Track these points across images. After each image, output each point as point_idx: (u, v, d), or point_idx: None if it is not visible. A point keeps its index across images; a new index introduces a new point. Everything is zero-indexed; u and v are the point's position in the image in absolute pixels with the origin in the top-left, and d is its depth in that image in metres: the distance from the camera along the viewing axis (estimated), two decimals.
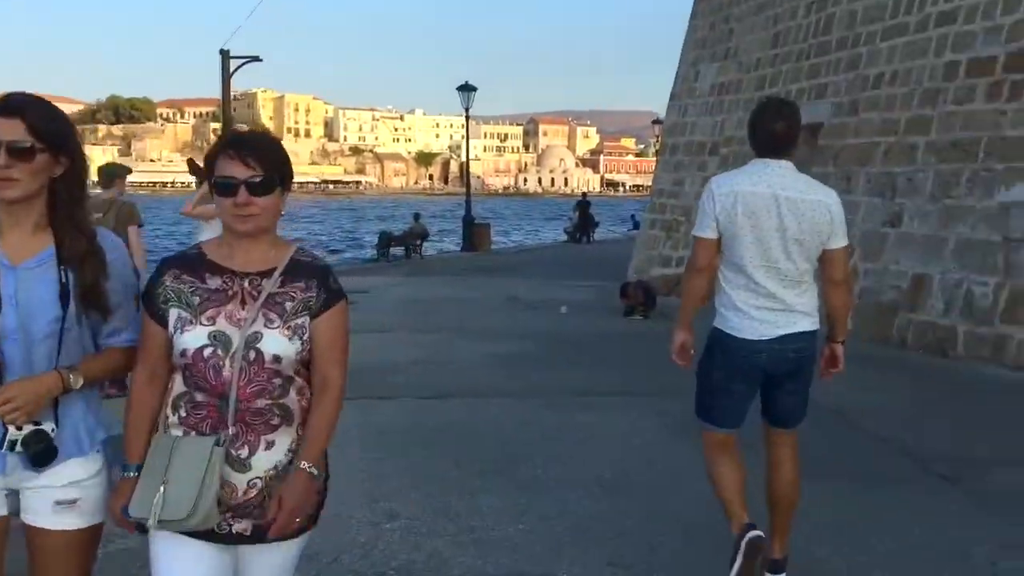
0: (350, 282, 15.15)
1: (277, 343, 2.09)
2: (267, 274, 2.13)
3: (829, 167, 11.18)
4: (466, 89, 25.46)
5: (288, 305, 2.12)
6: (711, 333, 3.51)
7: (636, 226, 34.06)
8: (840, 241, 3.42)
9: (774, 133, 3.43)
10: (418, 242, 23.63)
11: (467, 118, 25.72)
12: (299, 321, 2.12)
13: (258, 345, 2.08)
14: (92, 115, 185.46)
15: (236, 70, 18.49)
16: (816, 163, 11.48)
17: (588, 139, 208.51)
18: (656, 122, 40.91)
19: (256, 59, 18.58)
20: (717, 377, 3.49)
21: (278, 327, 2.10)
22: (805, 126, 12.47)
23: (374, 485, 4.82)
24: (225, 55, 18.37)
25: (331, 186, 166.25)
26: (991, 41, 9.35)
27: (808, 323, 3.41)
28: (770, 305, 3.36)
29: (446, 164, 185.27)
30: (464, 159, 27.79)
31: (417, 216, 23.88)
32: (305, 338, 2.12)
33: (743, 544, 3.37)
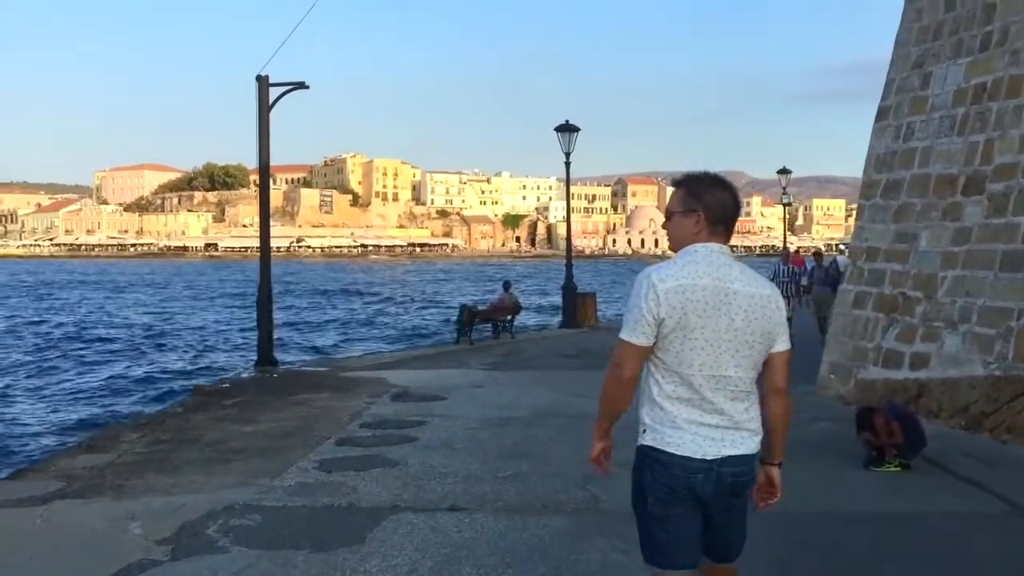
0: (422, 379, 6.31)
1: None
2: None
3: None
4: (567, 130, 20.93)
5: None
6: (640, 452, 2.95)
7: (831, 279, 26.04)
8: (785, 343, 2.98)
9: (727, 208, 2.97)
10: (508, 317, 18.89)
11: (567, 164, 21.04)
12: None
13: None
14: (189, 182, 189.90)
15: (279, 98, 14.40)
16: None
17: None
18: (784, 172, 35.27)
19: (302, 85, 14.47)
20: (653, 503, 2.93)
21: None
22: None
23: None
24: (263, 81, 14.33)
25: (418, 249, 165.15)
26: None
27: (753, 444, 2.95)
28: (716, 422, 2.88)
29: (533, 226, 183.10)
30: (566, 214, 23.32)
31: (507, 285, 19.14)
32: None
33: None
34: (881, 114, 10.73)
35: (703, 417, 2.88)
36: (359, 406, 10.20)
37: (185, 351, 24.33)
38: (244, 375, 13.95)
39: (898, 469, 7.02)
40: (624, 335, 2.88)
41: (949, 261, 9.06)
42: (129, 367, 20.95)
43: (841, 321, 10.61)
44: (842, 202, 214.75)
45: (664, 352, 2.87)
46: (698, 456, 2.87)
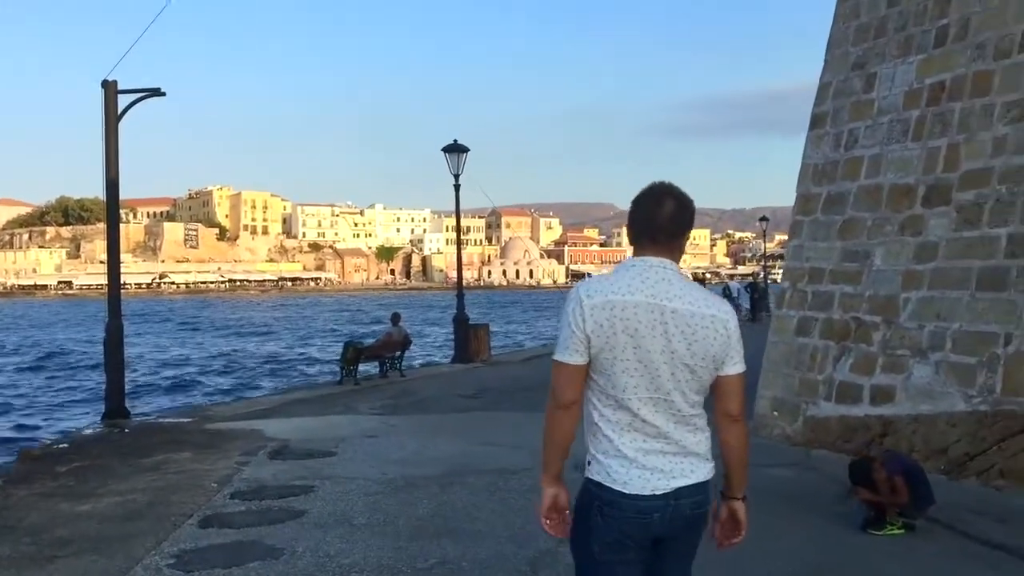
0: (304, 429, 5.26)
1: None
2: None
3: None
4: (456, 150, 19.51)
5: None
6: (584, 488, 2.67)
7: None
8: (737, 366, 2.69)
9: (656, 217, 2.67)
10: (398, 353, 17.20)
11: (456, 187, 19.57)
12: None
13: None
14: (41, 217, 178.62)
15: (130, 107, 12.39)
16: None
17: (551, 230, 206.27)
18: None
19: (157, 92, 12.47)
20: (600, 550, 2.62)
21: None
22: None
23: None
24: (111, 87, 12.27)
25: (289, 283, 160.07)
26: None
27: (706, 470, 2.69)
28: (662, 448, 2.62)
29: (408, 258, 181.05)
30: (456, 239, 22.05)
31: (396, 317, 17.41)
32: None
33: None
34: (816, 121, 9.78)
35: (647, 443, 2.62)
36: (229, 468, 8.38)
37: (19, 399, 21.40)
38: (87, 431, 11.75)
39: (902, 531, 5.83)
40: (556, 355, 2.65)
41: (912, 281, 8.06)
42: None
43: (782, 351, 9.51)
44: (707, 231, 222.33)
45: (598, 374, 2.63)
46: (647, 492, 2.59)
